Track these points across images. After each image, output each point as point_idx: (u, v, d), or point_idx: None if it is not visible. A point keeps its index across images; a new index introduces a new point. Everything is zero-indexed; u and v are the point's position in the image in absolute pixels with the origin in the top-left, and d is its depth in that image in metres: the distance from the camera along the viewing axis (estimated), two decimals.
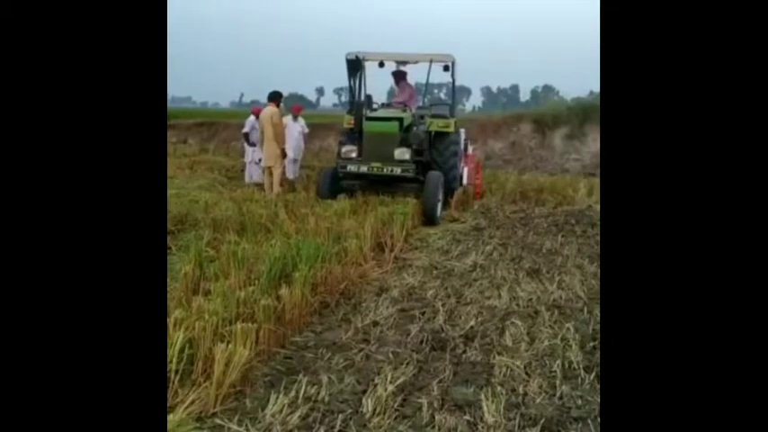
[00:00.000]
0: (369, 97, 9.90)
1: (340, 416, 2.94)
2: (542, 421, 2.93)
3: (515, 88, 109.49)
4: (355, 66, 9.59)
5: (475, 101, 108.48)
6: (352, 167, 8.66)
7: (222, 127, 22.54)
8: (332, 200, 8.19)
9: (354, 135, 9.16)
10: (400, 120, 8.92)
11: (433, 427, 2.89)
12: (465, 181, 10.54)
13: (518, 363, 3.61)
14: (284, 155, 9.98)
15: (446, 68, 9.62)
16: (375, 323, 4.26)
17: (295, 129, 11.49)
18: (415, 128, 9.06)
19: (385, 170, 8.52)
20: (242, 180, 11.40)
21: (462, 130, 10.70)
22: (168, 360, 3.11)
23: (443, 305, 4.69)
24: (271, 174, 9.80)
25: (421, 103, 10.51)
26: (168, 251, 5.97)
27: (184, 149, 18.74)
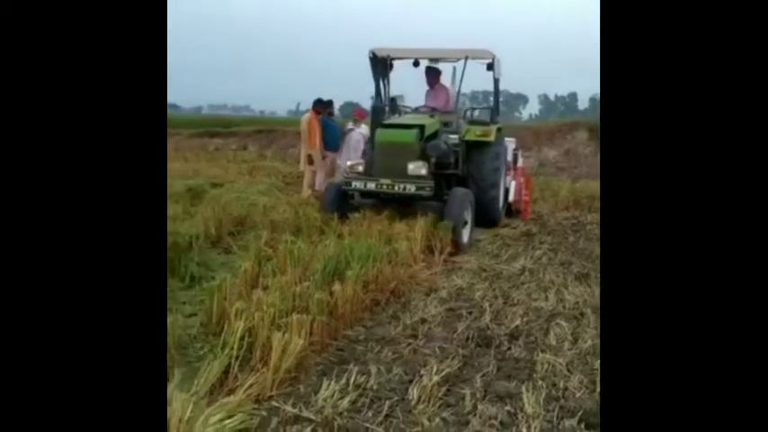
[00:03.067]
0: (393, 100, 8.77)
1: (387, 402, 3.12)
2: (580, 413, 3.05)
3: (573, 96, 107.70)
4: (379, 64, 8.59)
5: (532, 109, 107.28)
6: (357, 184, 7.28)
7: (280, 134, 23.13)
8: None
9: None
10: (421, 127, 7.53)
11: (475, 415, 3.05)
12: (512, 197, 9.38)
13: (560, 360, 3.73)
14: (309, 160, 10.04)
15: (489, 67, 8.48)
16: (423, 320, 4.43)
17: (354, 136, 10.52)
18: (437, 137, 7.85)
19: (396, 188, 7.03)
20: (299, 185, 11.65)
21: (511, 140, 9.83)
22: (230, 347, 3.37)
23: (490, 305, 4.83)
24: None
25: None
26: (229, 250, 6.33)
27: (244, 155, 19.32)
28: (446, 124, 8.24)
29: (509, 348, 3.97)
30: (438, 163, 7.61)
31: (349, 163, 7.78)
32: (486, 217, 8.20)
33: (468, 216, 7.27)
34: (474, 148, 8.30)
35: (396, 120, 8.15)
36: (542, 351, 3.89)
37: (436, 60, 8.81)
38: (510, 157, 9.48)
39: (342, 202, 7.49)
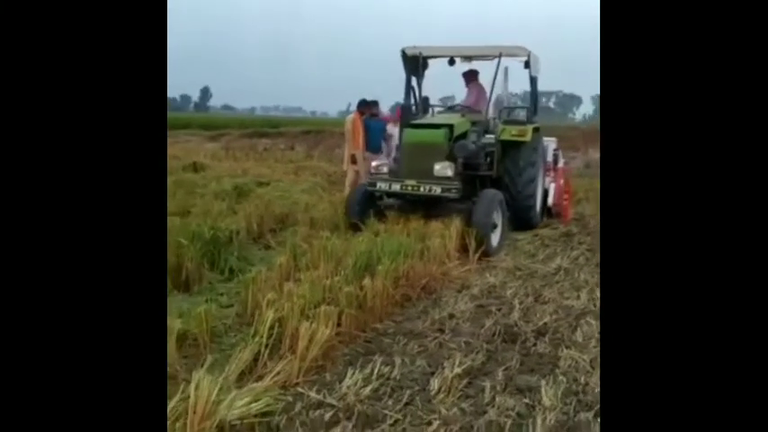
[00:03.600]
0: (425, 100, 8.63)
1: (408, 391, 3.23)
2: (597, 407, 3.08)
3: None
4: (411, 63, 8.38)
5: (586, 109, 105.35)
6: (382, 185, 7.11)
7: (328, 135, 23.51)
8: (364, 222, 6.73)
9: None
10: (450, 127, 7.32)
11: (493, 406, 3.12)
12: (551, 200, 8.94)
13: (585, 357, 3.75)
14: (353, 160, 10.21)
15: (527, 65, 8.18)
16: (451, 315, 4.52)
17: (395, 137, 10.31)
18: (468, 137, 7.62)
19: (421, 189, 6.84)
20: (343, 184, 11.81)
21: (552, 140, 9.50)
22: (259, 335, 3.53)
23: (520, 303, 4.87)
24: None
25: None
26: (268, 247, 6.54)
27: (291, 156, 19.68)
28: (475, 123, 7.90)
29: (534, 344, 4.01)
30: (467, 164, 7.36)
31: (374, 163, 7.53)
32: (521, 220, 8.03)
33: (498, 219, 6.97)
34: (509, 148, 8.00)
35: (424, 119, 7.97)
36: (567, 347, 3.92)
37: (470, 59, 8.57)
38: (550, 158, 9.16)
39: (368, 204, 7.25)
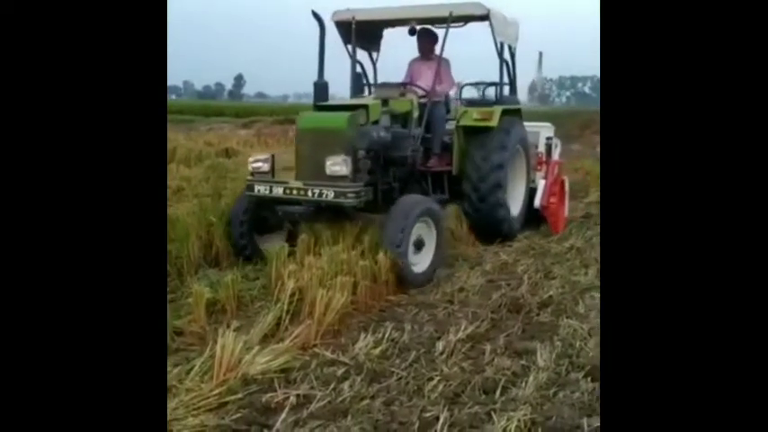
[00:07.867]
0: (358, 77, 6.71)
1: (414, 352, 3.54)
2: (588, 368, 3.35)
3: None
4: (342, 30, 6.57)
5: None
6: (260, 188, 5.19)
7: None
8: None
9: None
10: (364, 109, 5.34)
11: (491, 366, 3.42)
12: (538, 201, 6.88)
13: (584, 326, 4.01)
14: None
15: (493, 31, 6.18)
16: (462, 289, 4.82)
17: None
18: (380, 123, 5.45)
19: (309, 193, 4.94)
20: None
21: (545, 126, 7.69)
22: (281, 302, 3.89)
23: (529, 279, 5.14)
24: None
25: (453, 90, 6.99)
26: None
27: None
28: (386, 102, 5.69)
29: (537, 314, 4.29)
30: (391, 158, 5.51)
31: (251, 159, 5.56)
32: (487, 229, 6.33)
33: (431, 235, 5.18)
34: (472, 137, 6.25)
35: (334, 101, 6.14)
36: (568, 317, 4.19)
37: (406, 21, 6.11)
38: (541, 148, 7.30)
39: (259, 215, 5.45)
